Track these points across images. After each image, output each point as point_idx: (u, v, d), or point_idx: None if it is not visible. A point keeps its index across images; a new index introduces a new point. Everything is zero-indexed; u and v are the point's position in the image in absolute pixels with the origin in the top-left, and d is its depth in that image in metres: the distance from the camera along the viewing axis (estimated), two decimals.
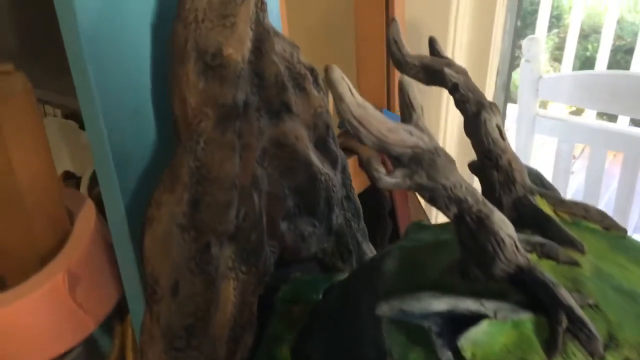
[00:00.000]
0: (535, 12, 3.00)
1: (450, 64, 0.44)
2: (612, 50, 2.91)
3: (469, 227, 0.37)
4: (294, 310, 0.53)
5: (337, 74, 0.33)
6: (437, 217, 1.10)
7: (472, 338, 0.37)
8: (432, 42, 0.45)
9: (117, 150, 0.42)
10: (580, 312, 0.35)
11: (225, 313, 0.46)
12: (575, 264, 0.39)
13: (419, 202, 0.89)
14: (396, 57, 0.43)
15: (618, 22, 3.00)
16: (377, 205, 0.82)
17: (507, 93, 1.24)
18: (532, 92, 1.47)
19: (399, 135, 0.35)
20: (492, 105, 0.44)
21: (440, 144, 1.19)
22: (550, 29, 3.39)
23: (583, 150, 2.88)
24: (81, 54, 0.39)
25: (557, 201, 0.44)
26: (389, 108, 0.81)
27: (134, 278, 0.44)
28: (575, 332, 0.35)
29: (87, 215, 0.46)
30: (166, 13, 0.43)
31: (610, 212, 1.56)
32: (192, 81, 0.42)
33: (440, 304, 0.36)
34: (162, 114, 0.44)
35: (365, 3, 0.78)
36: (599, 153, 1.47)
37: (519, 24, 1.17)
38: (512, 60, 1.24)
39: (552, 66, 3.53)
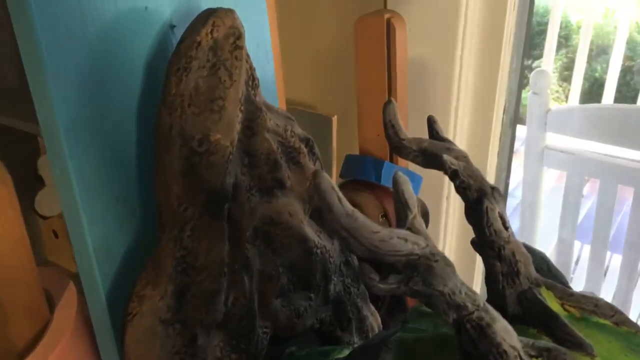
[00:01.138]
0: (543, 32, 2.97)
1: (449, 148, 0.41)
2: (621, 71, 2.88)
3: (469, 335, 0.35)
4: None
5: (326, 182, 0.31)
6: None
7: None
8: (430, 122, 0.43)
9: (98, 242, 0.39)
10: None
11: None
12: None
13: None
14: (393, 141, 0.41)
15: (627, 42, 2.97)
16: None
17: (514, 130, 1.21)
18: (540, 125, 1.45)
19: (392, 245, 0.33)
20: (494, 191, 0.41)
21: (446, 194, 1.16)
22: (558, 49, 3.36)
23: None
24: (60, 146, 0.37)
25: (565, 294, 0.41)
26: (390, 158, 0.78)
27: None
28: None
29: (68, 301, 0.44)
30: (151, 98, 0.41)
31: (620, 243, 1.52)
32: (177, 168, 0.40)
33: None
34: (146, 202, 0.42)
35: (366, 54, 0.76)
36: (610, 187, 1.44)
37: (525, 62, 1.14)
38: (518, 97, 1.21)
39: (561, 86, 3.50)
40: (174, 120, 0.39)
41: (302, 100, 1.13)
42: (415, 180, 0.78)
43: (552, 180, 2.68)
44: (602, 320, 0.40)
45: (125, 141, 0.41)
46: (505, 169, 1.25)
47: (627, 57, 3.20)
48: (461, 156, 0.41)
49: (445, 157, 0.40)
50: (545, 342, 0.37)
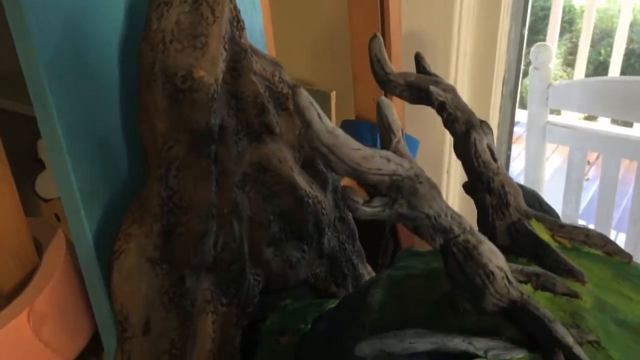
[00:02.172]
0: (546, 17, 2.96)
1: (437, 81, 0.41)
2: (625, 54, 2.85)
3: (456, 259, 0.34)
4: (281, 341, 0.50)
5: (305, 98, 0.30)
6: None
7: None
8: (418, 59, 0.43)
9: (83, 182, 0.39)
10: (579, 350, 0.32)
11: (204, 350, 0.43)
12: (574, 295, 0.36)
13: None
14: (379, 76, 0.41)
15: (631, 25, 2.95)
16: (377, 224, 0.79)
17: (515, 101, 1.20)
18: (541, 100, 1.44)
19: (374, 163, 0.32)
20: (483, 124, 0.41)
21: (446, 167, 1.16)
22: (562, 34, 3.34)
23: (598, 157, 2.83)
24: (41, 83, 0.37)
25: (556, 225, 0.40)
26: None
27: (107, 313, 0.42)
28: None
29: (56, 247, 0.43)
30: (132, 35, 0.41)
31: (625, 223, 1.51)
32: (161, 106, 0.39)
33: (425, 344, 0.33)
34: (130, 143, 0.42)
35: (360, 16, 0.75)
36: (613, 161, 1.43)
37: (525, 32, 1.13)
38: (518, 67, 1.21)
39: (565, 71, 3.48)
40: (156, 57, 0.39)
41: (300, 76, 1.13)
42: (412, 143, 0.78)
43: (557, 161, 2.67)
44: (593, 250, 0.40)
45: (109, 79, 0.40)
46: (505, 141, 1.24)
47: (631, 40, 3.17)
48: (449, 89, 0.41)
49: (432, 88, 0.40)
50: (535, 267, 0.37)
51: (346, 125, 0.79)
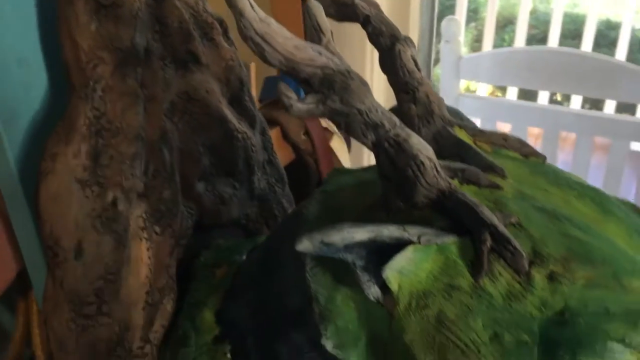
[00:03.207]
0: (452, 7, 3.07)
1: None
2: (527, 40, 3.01)
3: (387, 154, 0.35)
4: (216, 273, 0.50)
5: None
6: None
7: (397, 267, 0.35)
8: None
9: (3, 106, 0.38)
10: (503, 229, 0.34)
11: (139, 276, 0.42)
12: (496, 187, 0.38)
13: None
14: None
15: (531, 12, 3.12)
16: (304, 179, 0.80)
17: (429, 70, 1.25)
18: (453, 73, 1.49)
19: (307, 53, 0.33)
20: (406, 38, 0.43)
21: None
22: (468, 22, 3.48)
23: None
24: None
25: (476, 131, 0.43)
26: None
27: (34, 245, 0.40)
28: (500, 250, 0.34)
29: None
30: None
31: None
32: (83, 22, 0.38)
33: (363, 233, 0.34)
34: (52, 65, 0.41)
35: None
36: (520, 131, 1.51)
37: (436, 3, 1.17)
38: (431, 40, 1.25)
39: None
40: None
41: None
42: None
43: None
44: (511, 153, 0.42)
45: None
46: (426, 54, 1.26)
47: (532, 26, 3.35)
48: (373, 4, 0.42)
49: (357, 1, 0.41)
50: (459, 164, 0.39)
51: (269, 81, 0.79)
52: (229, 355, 0.46)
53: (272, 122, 0.77)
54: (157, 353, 0.46)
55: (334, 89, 0.35)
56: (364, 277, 0.36)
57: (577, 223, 0.36)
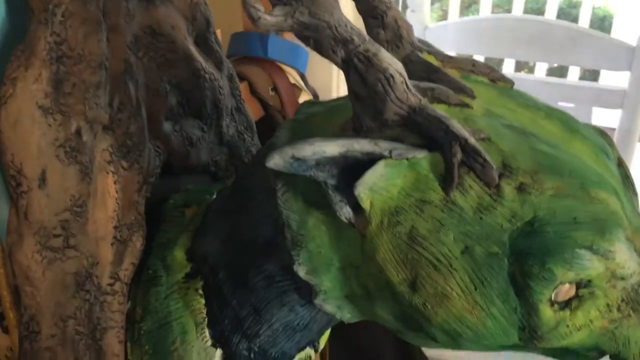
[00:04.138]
0: None
1: None
2: None
3: (357, 70, 0.35)
4: (186, 213, 0.49)
5: None
6: None
7: (368, 183, 0.35)
8: None
9: None
10: (473, 141, 0.34)
11: (107, 209, 0.41)
12: (465, 105, 0.38)
13: None
14: None
15: None
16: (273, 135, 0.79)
17: None
18: None
19: None
20: None
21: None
22: (433, 2, 3.50)
23: None
24: None
25: (445, 57, 0.43)
26: None
27: None
28: (470, 163, 0.34)
29: None
30: None
31: None
32: None
33: (334, 146, 0.34)
34: None
35: None
36: None
37: None
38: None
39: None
40: None
41: None
42: (302, 55, 0.79)
43: None
44: (480, 78, 0.42)
45: None
46: None
47: (496, 6, 3.39)
48: None
49: None
50: (429, 83, 0.39)
51: (236, 38, 0.78)
52: (200, 291, 0.45)
53: (241, 78, 0.76)
54: (128, 292, 0.45)
55: (302, 1, 0.34)
56: (336, 198, 0.36)
57: (544, 139, 0.37)
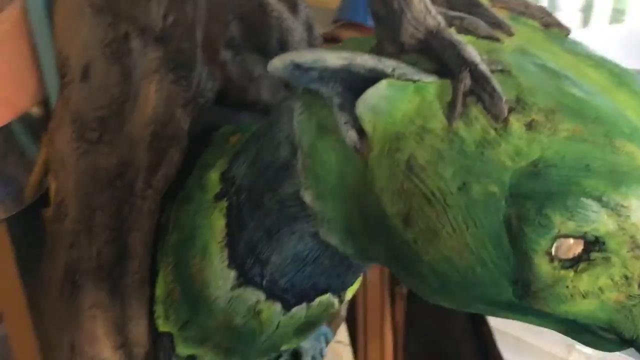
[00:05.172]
0: None
1: None
2: None
3: None
4: (231, 139, 0.51)
5: None
6: None
7: (370, 102, 0.33)
8: None
9: None
10: (483, 67, 0.31)
11: (144, 115, 0.44)
12: (495, 38, 0.35)
13: None
14: None
15: None
16: None
17: None
18: None
19: None
20: None
21: None
22: None
23: None
24: None
25: None
26: None
27: (51, 67, 0.43)
28: (478, 92, 0.31)
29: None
30: None
31: None
32: None
33: (335, 58, 0.33)
34: None
35: None
36: None
37: None
38: None
39: None
40: None
41: None
42: None
43: None
44: (531, 21, 0.39)
45: None
46: None
47: None
48: None
49: None
50: (459, 13, 0.36)
51: (344, 3, 0.78)
52: (224, 212, 0.46)
53: (336, 42, 0.76)
54: (160, 203, 0.47)
55: None
56: (342, 119, 0.35)
57: (579, 84, 0.33)
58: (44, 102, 0.46)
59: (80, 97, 0.42)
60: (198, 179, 0.48)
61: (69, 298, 0.44)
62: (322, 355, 0.68)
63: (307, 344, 0.65)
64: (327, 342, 0.69)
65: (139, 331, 0.48)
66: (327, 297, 0.48)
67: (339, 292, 0.50)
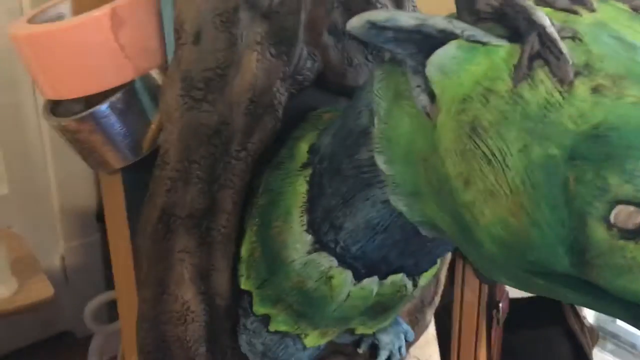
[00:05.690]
0: None
1: None
2: None
3: None
4: (324, 117, 0.54)
5: None
6: None
7: (439, 63, 0.35)
8: None
9: None
10: (552, 30, 0.32)
11: (244, 80, 0.48)
12: (573, 11, 0.35)
13: None
14: None
15: None
16: None
17: None
18: None
19: None
20: None
21: None
22: None
23: None
24: None
25: None
26: None
27: (172, 31, 0.49)
28: (546, 56, 0.32)
29: None
30: None
31: None
32: None
33: (408, 18, 0.35)
34: None
35: None
36: None
37: None
38: None
39: None
40: None
41: None
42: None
43: None
44: (619, 4, 0.39)
45: None
46: None
47: None
48: None
49: None
50: None
51: None
52: (307, 179, 0.49)
53: None
54: (253, 167, 0.51)
55: None
56: (414, 82, 0.37)
57: None
58: (163, 67, 0.52)
59: (190, 59, 0.47)
60: (290, 149, 0.52)
61: (162, 239, 0.49)
62: (401, 354, 0.68)
63: (386, 338, 0.66)
64: (407, 341, 0.69)
65: (221, 283, 0.51)
66: (400, 277, 0.49)
67: (412, 274, 0.51)
